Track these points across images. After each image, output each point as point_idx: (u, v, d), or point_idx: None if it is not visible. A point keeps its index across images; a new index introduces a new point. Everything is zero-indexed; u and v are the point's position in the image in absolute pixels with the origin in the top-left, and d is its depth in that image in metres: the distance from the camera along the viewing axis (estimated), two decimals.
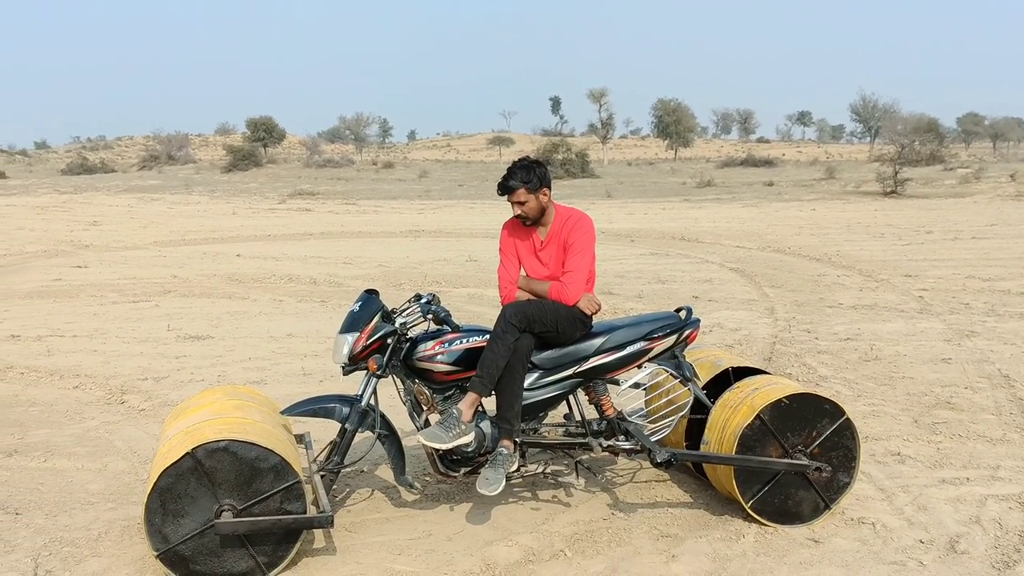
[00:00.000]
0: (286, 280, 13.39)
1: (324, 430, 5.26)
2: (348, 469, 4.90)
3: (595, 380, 4.76)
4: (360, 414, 4.54)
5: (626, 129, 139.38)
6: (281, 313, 10.80)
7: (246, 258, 16.12)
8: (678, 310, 4.91)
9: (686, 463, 5.23)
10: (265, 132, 71.17)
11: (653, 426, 4.84)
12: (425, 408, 4.67)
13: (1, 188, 39.21)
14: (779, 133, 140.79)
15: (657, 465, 4.55)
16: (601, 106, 72.95)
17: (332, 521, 4.14)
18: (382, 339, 4.50)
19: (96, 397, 7.16)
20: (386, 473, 5.34)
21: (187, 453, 3.93)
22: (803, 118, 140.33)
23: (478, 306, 10.82)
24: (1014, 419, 6.21)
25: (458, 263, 15.17)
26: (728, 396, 4.72)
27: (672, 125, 75.70)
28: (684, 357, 4.84)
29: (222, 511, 3.99)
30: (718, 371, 5.06)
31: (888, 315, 10.07)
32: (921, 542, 4.36)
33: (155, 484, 3.92)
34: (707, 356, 5.32)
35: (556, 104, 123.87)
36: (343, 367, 4.55)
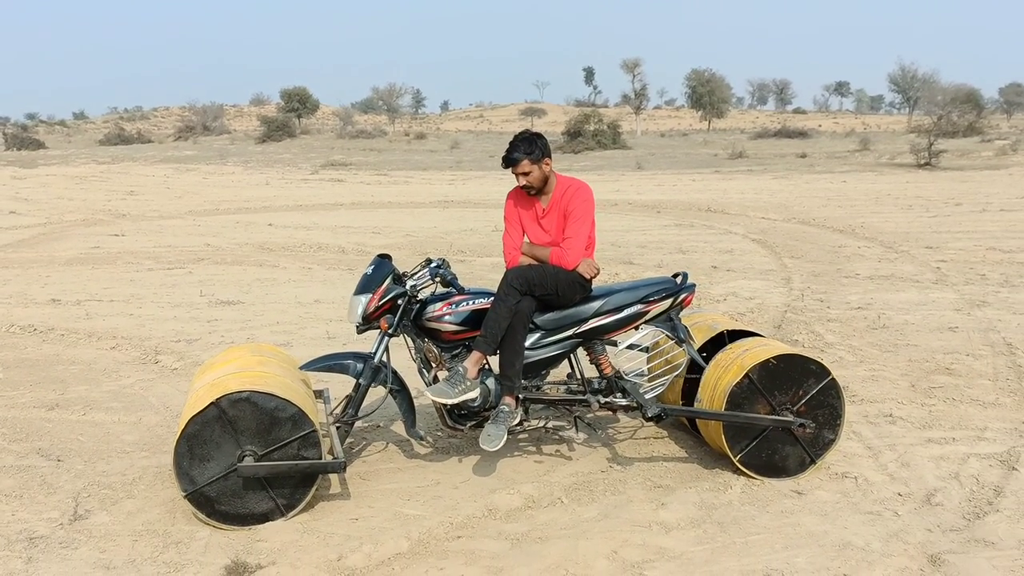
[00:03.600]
0: (315, 249, 13.76)
1: (343, 387, 5.59)
2: (361, 421, 5.24)
3: (594, 341, 5.04)
4: (373, 370, 4.86)
5: (660, 100, 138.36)
6: (309, 280, 11.16)
7: (278, 227, 16.51)
8: (675, 275, 5.16)
9: (681, 420, 5.52)
10: (299, 103, 71.55)
11: (649, 384, 5.12)
12: (434, 366, 4.99)
13: (41, 158, 40.05)
14: (816, 104, 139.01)
15: (648, 419, 4.85)
16: (635, 76, 72.43)
17: (345, 467, 4.49)
18: (393, 300, 4.82)
19: (132, 357, 7.57)
20: (401, 428, 5.65)
21: (212, 402, 4.28)
22: (841, 88, 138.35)
23: (501, 274, 11.08)
24: (1009, 384, 6.41)
25: (484, 233, 15.44)
26: (721, 356, 4.98)
27: (706, 96, 75.03)
28: (680, 320, 5.09)
29: (244, 456, 4.34)
30: (714, 334, 5.31)
31: (902, 285, 10.21)
32: (899, 495, 4.62)
33: (183, 431, 4.27)
34: (705, 320, 5.57)
35: (590, 74, 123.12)
36: (357, 326, 4.88)
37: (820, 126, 71.60)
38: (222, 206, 20.70)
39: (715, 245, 13.73)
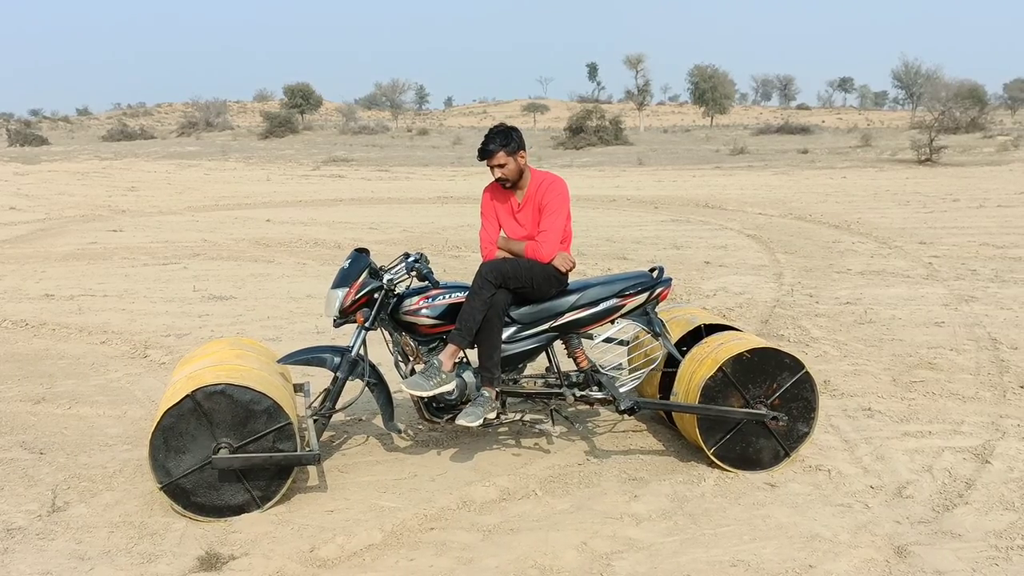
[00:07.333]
0: (311, 244, 13.80)
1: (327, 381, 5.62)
2: (343, 414, 5.28)
3: (570, 334, 5.07)
4: (350, 364, 4.90)
5: (664, 96, 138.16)
6: (303, 275, 11.21)
7: (275, 223, 16.55)
8: (651, 270, 5.19)
9: (659, 413, 5.55)
10: (302, 99, 71.52)
11: (626, 378, 5.15)
12: (412, 359, 5.03)
13: (44, 154, 40.13)
14: (820, 100, 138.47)
15: (621, 412, 4.89)
16: (638, 72, 72.20)
17: (319, 459, 4.52)
18: (369, 294, 4.85)
19: (121, 352, 7.62)
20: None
21: (187, 395, 4.32)
22: (844, 84, 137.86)
23: None
24: (990, 379, 6.42)
25: None
26: (696, 350, 5.01)
27: (709, 92, 74.88)
28: (655, 314, 5.12)
29: (219, 448, 4.38)
30: (691, 327, 5.34)
31: (893, 280, 10.22)
32: (871, 487, 4.65)
33: (159, 423, 4.32)
34: (683, 314, 5.60)
35: (593, 70, 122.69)
36: (334, 320, 4.92)
37: (823, 122, 71.44)
38: (222, 202, 20.75)
39: (710, 241, 13.74)
